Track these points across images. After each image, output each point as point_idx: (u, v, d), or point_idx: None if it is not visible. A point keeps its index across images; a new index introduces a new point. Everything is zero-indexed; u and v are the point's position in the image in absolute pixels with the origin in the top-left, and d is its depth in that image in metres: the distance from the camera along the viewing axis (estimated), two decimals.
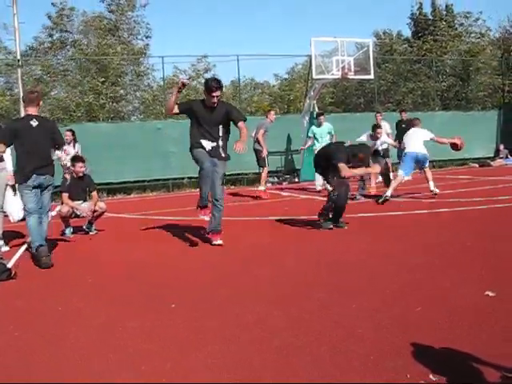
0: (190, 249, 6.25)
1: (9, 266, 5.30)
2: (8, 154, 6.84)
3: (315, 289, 4.11)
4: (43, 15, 22.90)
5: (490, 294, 3.64)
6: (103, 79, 19.65)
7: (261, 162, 11.65)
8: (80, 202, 7.81)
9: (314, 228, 6.99)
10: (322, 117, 12.63)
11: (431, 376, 2.51)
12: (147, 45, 23.19)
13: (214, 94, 6.08)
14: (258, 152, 11.56)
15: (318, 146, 12.49)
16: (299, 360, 2.81)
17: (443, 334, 3.00)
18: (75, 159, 7.97)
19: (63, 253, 6.53)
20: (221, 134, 6.24)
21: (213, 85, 6.11)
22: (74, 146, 11.14)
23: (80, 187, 7.84)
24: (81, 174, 7.79)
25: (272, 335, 3.18)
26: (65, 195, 7.68)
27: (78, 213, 7.74)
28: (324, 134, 12.35)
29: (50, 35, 22.13)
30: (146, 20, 23.43)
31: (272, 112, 12.33)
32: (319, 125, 12.50)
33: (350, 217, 7.31)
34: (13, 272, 5.14)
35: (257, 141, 11.48)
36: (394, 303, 3.63)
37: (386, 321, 3.27)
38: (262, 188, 11.52)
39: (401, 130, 13.18)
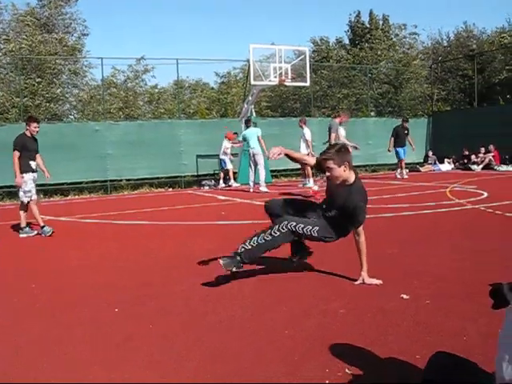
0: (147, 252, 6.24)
1: None
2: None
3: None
4: None
5: (405, 296, 3.96)
6: (39, 79, 19.06)
7: None
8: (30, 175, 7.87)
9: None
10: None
11: (347, 370, 2.70)
12: (82, 45, 22.62)
13: None
14: None
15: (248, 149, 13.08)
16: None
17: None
18: (30, 119, 8.09)
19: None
20: None
21: None
22: None
23: (33, 146, 8.00)
24: (34, 134, 7.95)
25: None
26: (16, 154, 7.72)
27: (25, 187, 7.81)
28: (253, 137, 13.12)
29: None
30: (82, 17, 22.86)
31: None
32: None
33: None
34: None
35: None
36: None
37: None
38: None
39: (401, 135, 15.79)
